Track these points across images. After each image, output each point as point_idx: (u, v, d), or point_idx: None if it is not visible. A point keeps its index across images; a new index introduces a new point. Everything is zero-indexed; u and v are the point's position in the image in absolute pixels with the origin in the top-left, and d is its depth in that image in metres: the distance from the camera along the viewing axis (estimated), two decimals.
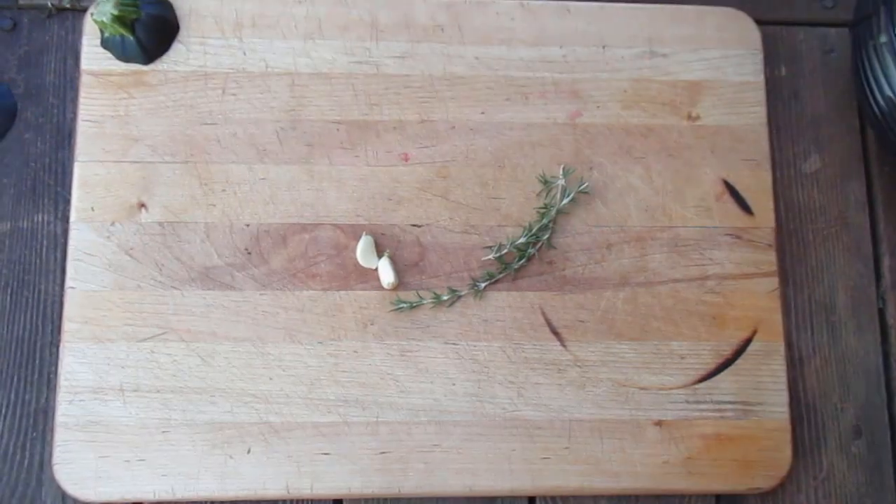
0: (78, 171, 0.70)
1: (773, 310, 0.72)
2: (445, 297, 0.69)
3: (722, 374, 0.70)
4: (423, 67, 0.73)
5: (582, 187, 0.72)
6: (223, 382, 0.67)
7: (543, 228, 0.71)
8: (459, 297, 0.70)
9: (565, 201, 0.67)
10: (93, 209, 0.69)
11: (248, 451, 0.67)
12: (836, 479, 0.72)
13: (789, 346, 0.73)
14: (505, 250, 0.70)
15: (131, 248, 0.69)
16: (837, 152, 0.77)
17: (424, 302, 0.69)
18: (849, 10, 0.79)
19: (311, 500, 0.68)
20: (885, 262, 0.76)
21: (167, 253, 0.69)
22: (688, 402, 0.70)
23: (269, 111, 0.72)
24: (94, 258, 0.68)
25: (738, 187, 0.74)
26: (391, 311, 0.69)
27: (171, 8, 0.72)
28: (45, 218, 0.72)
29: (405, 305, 0.69)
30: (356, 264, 0.70)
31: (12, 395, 0.69)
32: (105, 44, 0.71)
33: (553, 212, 0.71)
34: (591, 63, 0.75)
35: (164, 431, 0.66)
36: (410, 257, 0.70)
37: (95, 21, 0.69)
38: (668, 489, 0.69)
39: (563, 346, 0.70)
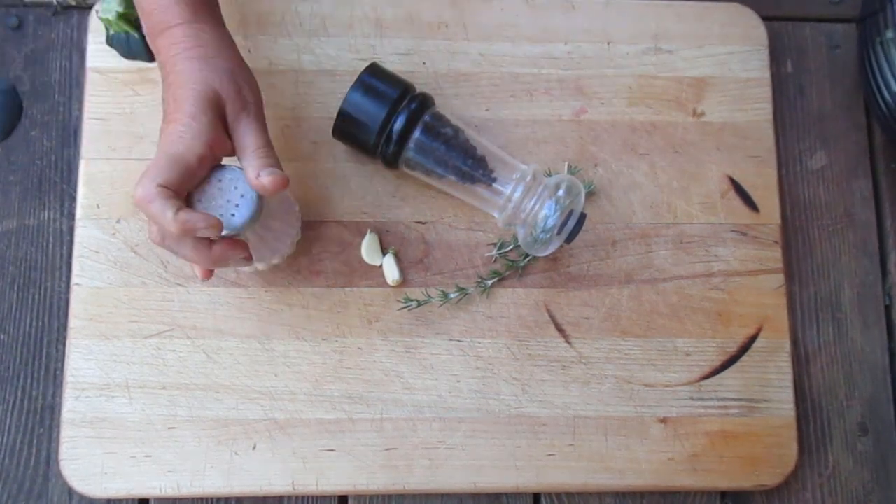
0: (84, 169, 0.70)
1: (778, 307, 0.72)
2: (454, 295, 0.69)
3: (727, 371, 0.70)
4: (427, 64, 0.73)
5: (588, 188, 0.71)
6: (228, 379, 0.67)
7: None
8: (467, 294, 0.70)
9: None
10: (98, 206, 0.69)
11: (254, 448, 0.67)
12: (842, 476, 0.71)
13: (795, 342, 0.73)
14: (509, 247, 0.70)
15: (137, 245, 0.69)
16: (843, 149, 0.77)
17: (433, 300, 0.69)
18: (855, 5, 0.79)
19: (317, 497, 0.69)
20: (892, 258, 0.76)
21: None
22: (693, 399, 0.70)
23: (274, 108, 0.72)
24: (99, 255, 0.69)
25: (744, 184, 0.73)
26: (400, 309, 0.69)
27: None
28: (51, 215, 0.72)
29: (413, 304, 0.69)
30: (361, 261, 0.70)
31: (19, 392, 0.69)
32: (110, 41, 0.72)
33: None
34: (596, 59, 0.74)
35: (169, 428, 0.67)
36: (415, 254, 0.70)
37: (101, 19, 0.70)
38: (672, 486, 0.69)
39: (568, 343, 0.70)
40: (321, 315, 0.69)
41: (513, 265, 0.70)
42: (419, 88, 0.69)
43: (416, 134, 0.66)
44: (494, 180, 0.66)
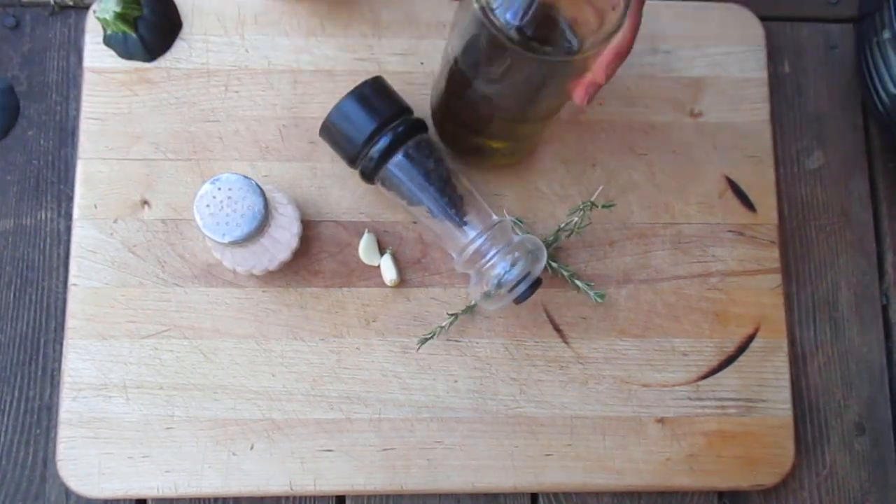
0: (81, 169, 0.70)
1: (775, 306, 0.72)
2: (461, 313, 0.69)
3: (724, 370, 0.70)
4: (425, 64, 0.73)
5: (608, 206, 0.70)
6: (226, 379, 0.67)
7: (554, 241, 0.71)
8: (474, 309, 0.69)
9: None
10: (96, 206, 0.69)
11: (252, 448, 0.67)
12: (839, 476, 0.72)
13: (792, 342, 0.73)
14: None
15: (134, 246, 0.69)
16: (840, 149, 0.77)
17: (445, 329, 0.68)
18: (853, 6, 0.79)
19: (314, 497, 0.69)
20: (889, 258, 0.76)
21: (170, 250, 0.69)
22: (690, 398, 0.70)
23: (272, 108, 0.72)
24: (97, 255, 0.69)
25: (741, 184, 0.73)
26: (418, 347, 0.69)
27: (173, 5, 0.72)
28: (49, 215, 0.72)
29: (431, 336, 0.68)
30: (359, 261, 0.70)
31: (16, 392, 0.69)
32: (108, 41, 0.71)
33: (565, 235, 0.71)
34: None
35: (167, 428, 0.66)
36: (412, 254, 0.70)
37: (98, 18, 0.70)
38: (670, 486, 0.69)
39: (566, 342, 0.70)
40: (319, 315, 0.69)
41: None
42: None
43: (397, 157, 0.65)
44: (466, 223, 0.65)
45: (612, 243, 0.72)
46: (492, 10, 0.54)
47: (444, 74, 0.64)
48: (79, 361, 0.67)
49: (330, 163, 0.71)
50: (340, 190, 0.71)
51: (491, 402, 0.68)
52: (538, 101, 0.62)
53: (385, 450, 0.67)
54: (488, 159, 0.71)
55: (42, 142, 0.73)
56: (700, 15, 0.76)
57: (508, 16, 0.54)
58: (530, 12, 0.53)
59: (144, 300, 0.68)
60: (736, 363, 0.71)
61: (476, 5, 0.55)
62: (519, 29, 0.54)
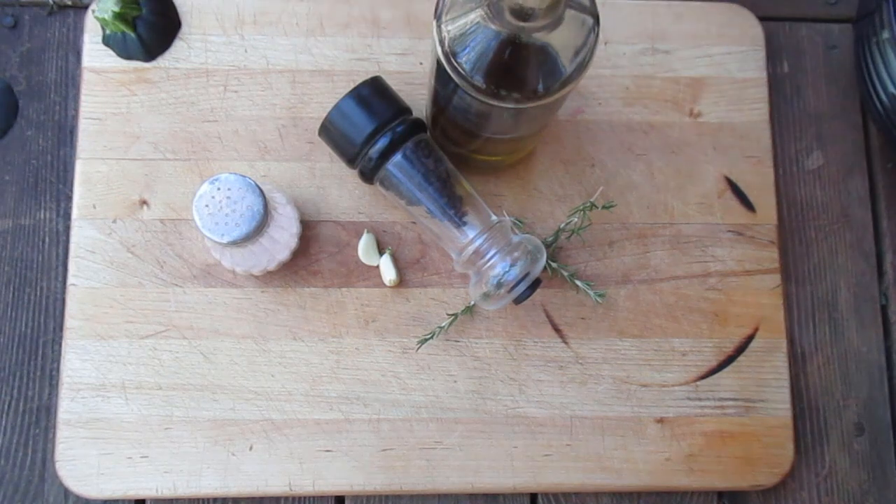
0: (80, 169, 0.70)
1: (775, 307, 0.72)
2: (461, 313, 0.69)
3: (724, 371, 0.70)
4: (424, 64, 0.73)
5: (608, 207, 0.70)
6: (225, 379, 0.67)
7: (553, 241, 0.71)
8: (472, 309, 0.69)
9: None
10: (95, 206, 0.69)
11: (251, 448, 0.67)
12: (839, 476, 0.72)
13: (791, 342, 0.73)
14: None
15: (133, 246, 0.69)
16: (840, 149, 0.77)
17: (444, 328, 0.68)
18: (852, 6, 0.79)
19: (313, 497, 0.68)
20: (888, 258, 0.76)
21: (169, 250, 0.69)
22: (689, 399, 0.70)
23: (271, 108, 0.72)
24: (95, 255, 0.69)
25: (740, 184, 0.73)
26: (417, 347, 0.69)
27: (172, 5, 0.72)
28: (47, 215, 0.72)
29: (430, 336, 0.68)
30: (358, 261, 0.70)
31: (15, 392, 0.69)
32: (106, 41, 0.71)
33: (565, 236, 0.71)
34: (592, 59, 0.74)
35: (166, 428, 0.66)
36: (412, 254, 0.70)
37: (97, 18, 0.69)
38: (669, 486, 0.69)
39: (565, 343, 0.70)
40: (318, 315, 0.69)
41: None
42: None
43: (396, 158, 0.64)
44: (465, 223, 0.65)
45: (611, 243, 0.72)
46: (455, 58, 0.53)
47: (429, 91, 0.64)
48: (77, 361, 0.67)
49: (329, 163, 0.71)
50: (339, 190, 0.71)
51: (490, 402, 0.68)
52: (519, 128, 0.62)
53: (384, 450, 0.67)
54: (479, 168, 0.71)
55: (41, 141, 0.73)
56: (699, 15, 0.76)
57: (473, 63, 0.53)
58: (496, 59, 0.52)
59: (143, 300, 0.68)
60: (735, 363, 0.71)
61: (440, 51, 0.54)
62: (485, 76, 0.53)
